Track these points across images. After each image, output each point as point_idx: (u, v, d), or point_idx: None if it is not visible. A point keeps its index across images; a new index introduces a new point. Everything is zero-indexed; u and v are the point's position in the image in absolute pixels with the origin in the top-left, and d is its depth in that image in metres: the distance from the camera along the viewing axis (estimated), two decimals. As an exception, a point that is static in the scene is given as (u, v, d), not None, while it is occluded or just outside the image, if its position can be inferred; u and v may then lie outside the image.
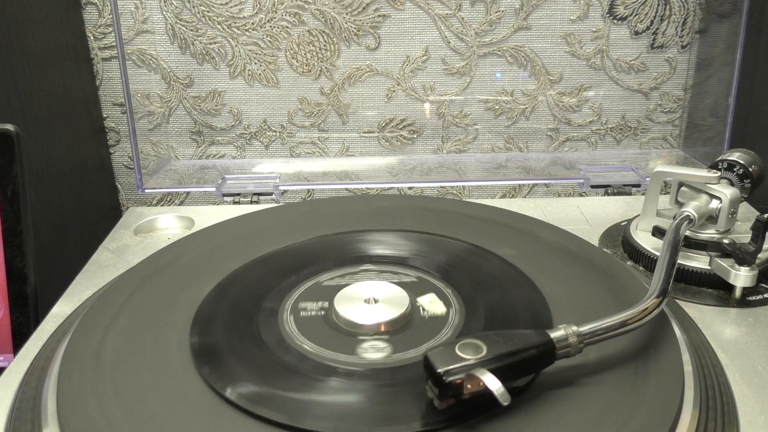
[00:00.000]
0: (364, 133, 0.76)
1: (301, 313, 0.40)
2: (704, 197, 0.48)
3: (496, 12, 0.71)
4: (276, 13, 0.70)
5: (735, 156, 0.50)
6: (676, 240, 0.43)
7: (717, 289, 0.46)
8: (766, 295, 0.45)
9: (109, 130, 0.77)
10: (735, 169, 0.49)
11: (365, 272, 0.45)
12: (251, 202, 0.64)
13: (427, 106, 0.75)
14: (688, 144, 0.77)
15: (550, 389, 0.33)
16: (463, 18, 0.71)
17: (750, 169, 0.49)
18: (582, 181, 0.67)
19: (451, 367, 0.30)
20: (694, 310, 0.44)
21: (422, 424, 0.31)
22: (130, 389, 0.34)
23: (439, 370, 0.30)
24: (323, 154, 0.77)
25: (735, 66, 0.66)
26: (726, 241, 0.45)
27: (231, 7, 0.70)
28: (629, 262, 0.50)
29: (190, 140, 0.76)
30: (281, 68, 0.73)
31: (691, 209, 0.46)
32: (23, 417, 0.34)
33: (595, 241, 0.54)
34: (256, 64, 0.72)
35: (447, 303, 0.41)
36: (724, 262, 0.44)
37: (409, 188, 0.80)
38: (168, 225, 0.59)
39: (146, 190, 0.67)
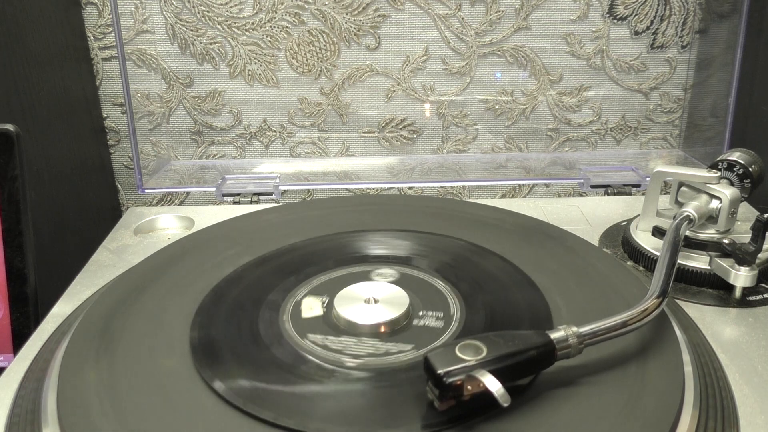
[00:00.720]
0: (364, 133, 0.76)
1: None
2: (704, 197, 0.48)
3: (496, 12, 0.71)
4: (276, 13, 0.70)
5: (735, 156, 0.50)
6: (676, 240, 0.43)
7: (717, 289, 0.46)
8: (766, 295, 0.45)
9: (109, 130, 0.77)
10: (735, 169, 0.49)
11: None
12: (251, 202, 0.64)
13: (427, 106, 0.75)
14: (688, 144, 0.77)
15: (550, 389, 0.33)
16: (463, 18, 0.71)
17: (750, 169, 0.49)
18: (582, 181, 0.67)
19: (452, 368, 0.30)
20: (694, 310, 0.44)
21: (422, 425, 0.31)
22: (129, 389, 0.34)
23: (439, 372, 0.30)
24: (323, 154, 0.77)
25: (735, 66, 0.66)
26: (726, 241, 0.45)
27: (231, 7, 0.70)
28: (629, 262, 0.50)
29: (190, 140, 0.76)
30: (281, 68, 0.73)
31: (691, 209, 0.46)
32: (23, 417, 0.34)
33: (595, 241, 0.54)
34: (256, 64, 0.72)
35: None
36: (724, 262, 0.44)
37: (409, 188, 0.80)
38: (168, 225, 0.59)
39: (146, 190, 0.67)
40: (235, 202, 0.64)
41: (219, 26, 0.71)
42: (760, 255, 0.44)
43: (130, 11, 0.70)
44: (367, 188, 0.80)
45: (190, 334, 0.38)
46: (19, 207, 0.46)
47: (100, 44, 0.73)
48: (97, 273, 0.50)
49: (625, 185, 0.65)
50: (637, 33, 0.73)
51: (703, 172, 0.48)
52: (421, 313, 0.40)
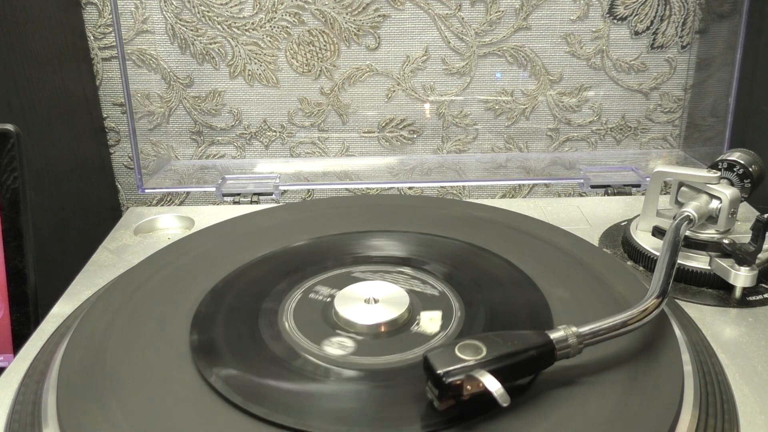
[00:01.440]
0: (364, 133, 0.76)
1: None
2: (704, 197, 0.48)
3: (496, 12, 0.71)
4: (276, 13, 0.70)
5: (735, 156, 0.50)
6: (676, 240, 0.43)
7: (717, 289, 0.46)
8: (766, 295, 0.45)
9: (109, 130, 0.77)
10: (735, 169, 0.49)
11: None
12: (251, 202, 0.64)
13: (427, 106, 0.75)
14: (688, 144, 0.77)
15: (550, 389, 0.33)
16: (463, 18, 0.71)
17: (750, 169, 0.49)
18: (582, 181, 0.67)
19: (451, 368, 0.30)
20: (694, 310, 0.44)
21: (422, 425, 0.31)
22: (129, 389, 0.34)
23: (438, 371, 0.30)
24: (323, 154, 0.77)
25: (735, 66, 0.66)
26: (726, 241, 0.45)
27: (231, 7, 0.70)
28: (629, 262, 0.50)
29: (190, 140, 0.76)
30: (281, 68, 0.73)
31: (691, 209, 0.46)
32: (23, 417, 0.34)
33: (595, 241, 0.54)
34: (256, 64, 0.72)
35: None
36: (724, 262, 0.44)
37: (409, 188, 0.80)
38: (168, 225, 0.59)
39: (146, 190, 0.67)
40: (235, 202, 0.64)
41: (219, 26, 0.71)
42: (760, 255, 0.44)
43: (130, 11, 0.70)
44: (367, 188, 0.80)
45: (190, 333, 0.38)
46: (19, 207, 0.46)
47: (100, 44, 0.73)
48: (97, 273, 0.50)
49: (625, 185, 0.65)
50: (637, 33, 0.73)
51: (703, 172, 0.48)
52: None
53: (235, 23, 0.71)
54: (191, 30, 0.71)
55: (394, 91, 0.74)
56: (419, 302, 0.41)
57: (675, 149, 0.78)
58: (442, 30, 0.72)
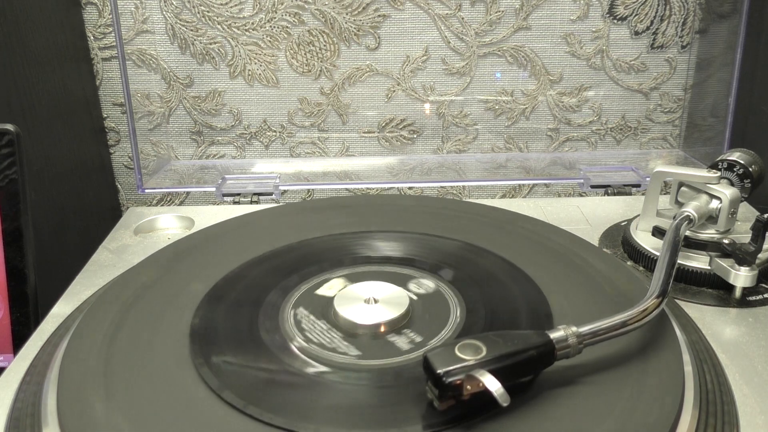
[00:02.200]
0: (364, 133, 0.76)
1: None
2: (704, 197, 0.48)
3: (496, 12, 0.71)
4: (276, 13, 0.70)
5: (735, 156, 0.50)
6: (676, 240, 0.43)
7: (717, 289, 0.46)
8: (766, 295, 0.45)
9: (109, 130, 0.77)
10: (735, 169, 0.49)
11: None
12: (251, 202, 0.64)
13: (427, 106, 0.75)
14: (688, 144, 0.77)
15: (550, 389, 0.33)
16: (463, 18, 0.71)
17: (750, 169, 0.49)
18: (582, 181, 0.67)
19: (451, 368, 0.30)
20: (694, 310, 0.44)
21: (422, 425, 0.31)
22: (129, 389, 0.34)
23: (438, 371, 0.30)
24: (323, 154, 0.77)
25: (735, 66, 0.66)
26: (726, 241, 0.45)
27: (231, 7, 0.70)
28: (629, 262, 0.50)
29: (190, 140, 0.76)
30: (281, 68, 0.73)
31: (691, 209, 0.46)
32: (23, 417, 0.34)
33: (595, 241, 0.54)
34: (256, 64, 0.72)
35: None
36: (724, 262, 0.44)
37: (409, 188, 0.80)
38: (168, 225, 0.59)
39: (146, 190, 0.67)
40: (235, 202, 0.64)
41: (219, 26, 0.71)
42: (760, 255, 0.44)
43: (130, 11, 0.70)
44: (367, 188, 0.80)
45: (189, 333, 0.38)
46: (19, 207, 0.46)
47: (100, 44, 0.73)
48: (97, 273, 0.50)
49: (625, 185, 0.65)
50: (637, 33, 0.73)
51: (703, 172, 0.48)
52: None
53: (235, 23, 0.71)
54: (191, 30, 0.71)
55: (394, 91, 0.74)
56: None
57: (675, 149, 0.78)
58: (442, 30, 0.72)
